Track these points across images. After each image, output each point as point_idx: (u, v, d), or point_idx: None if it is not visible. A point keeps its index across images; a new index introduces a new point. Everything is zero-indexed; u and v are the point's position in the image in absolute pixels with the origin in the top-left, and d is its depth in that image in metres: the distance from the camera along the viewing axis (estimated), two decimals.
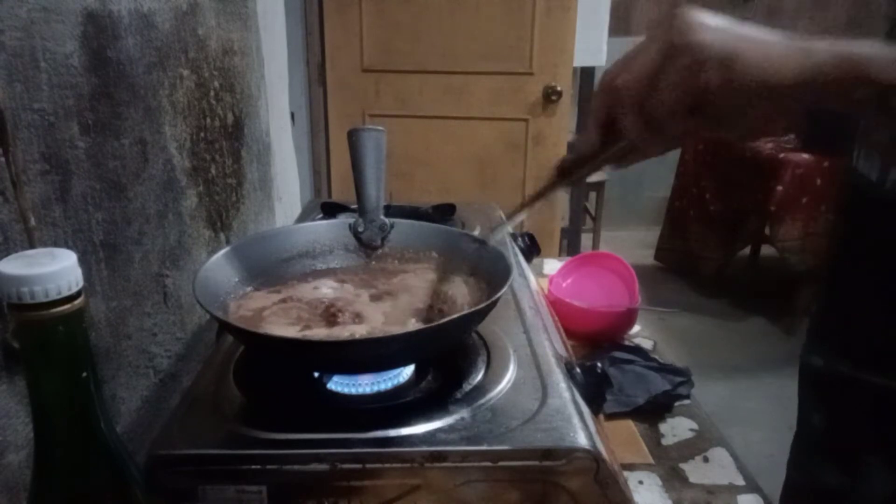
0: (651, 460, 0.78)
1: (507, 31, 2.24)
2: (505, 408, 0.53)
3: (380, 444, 0.49)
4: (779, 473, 0.78)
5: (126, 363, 0.67)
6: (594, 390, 0.59)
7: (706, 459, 0.79)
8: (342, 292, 0.66)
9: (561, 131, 2.35)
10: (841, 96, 0.43)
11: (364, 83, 2.36)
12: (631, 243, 3.67)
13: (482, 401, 0.53)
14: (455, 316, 0.53)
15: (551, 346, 0.63)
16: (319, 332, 0.58)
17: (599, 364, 0.61)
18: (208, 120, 0.87)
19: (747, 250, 3.26)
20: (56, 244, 0.53)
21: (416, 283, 0.67)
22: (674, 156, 3.43)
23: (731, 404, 2.30)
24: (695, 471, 0.77)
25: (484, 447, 0.48)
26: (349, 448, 0.48)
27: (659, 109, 0.44)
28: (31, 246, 0.50)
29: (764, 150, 2.82)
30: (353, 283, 0.68)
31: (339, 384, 0.57)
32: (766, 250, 3.04)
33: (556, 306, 0.97)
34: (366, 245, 0.74)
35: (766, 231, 2.81)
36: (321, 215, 1.00)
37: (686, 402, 0.90)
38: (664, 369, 0.93)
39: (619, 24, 3.68)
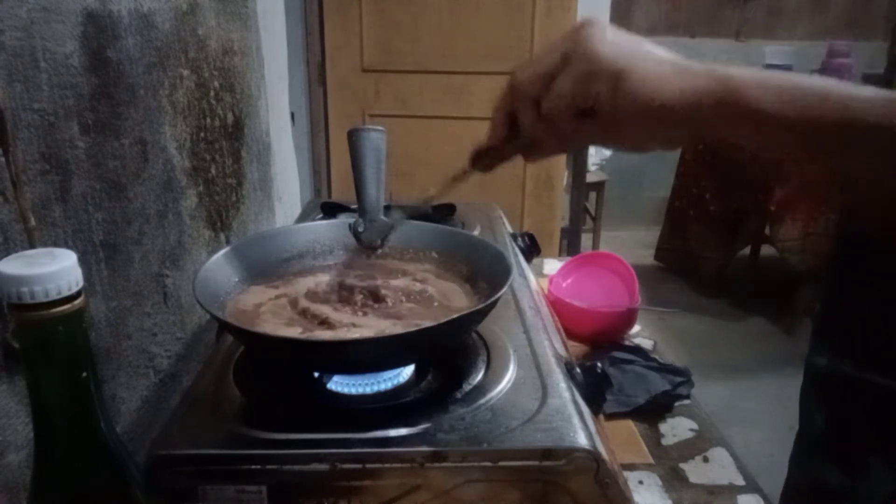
0: (651, 460, 0.78)
1: (507, 30, 2.24)
2: (505, 408, 0.53)
3: (380, 444, 0.48)
4: (779, 473, 0.77)
5: (126, 363, 0.67)
6: (594, 390, 0.59)
7: (706, 459, 0.79)
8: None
9: None
10: (726, 126, 0.44)
11: (364, 83, 2.36)
12: (631, 243, 3.67)
13: (482, 401, 0.53)
14: (455, 316, 0.53)
15: (551, 346, 0.63)
16: (319, 332, 0.58)
17: (599, 364, 0.61)
18: (208, 120, 0.87)
19: (747, 250, 3.26)
20: (56, 244, 0.53)
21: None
22: (674, 156, 3.43)
23: (731, 404, 2.30)
24: (695, 471, 0.77)
25: (484, 447, 0.48)
26: (349, 448, 0.48)
27: (551, 109, 0.47)
28: (31, 246, 0.50)
29: None
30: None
31: (339, 384, 0.57)
32: (766, 250, 3.04)
33: (556, 306, 0.97)
34: (366, 245, 0.74)
35: (766, 231, 2.81)
36: (321, 215, 1.00)
37: (686, 402, 0.90)
38: (664, 369, 0.93)
39: (620, 24, 3.66)
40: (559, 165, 2.40)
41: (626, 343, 1.02)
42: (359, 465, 0.48)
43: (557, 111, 0.47)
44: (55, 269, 0.33)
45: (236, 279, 0.65)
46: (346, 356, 0.53)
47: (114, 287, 0.63)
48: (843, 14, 3.83)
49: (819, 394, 0.71)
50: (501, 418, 0.51)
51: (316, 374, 0.58)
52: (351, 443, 0.48)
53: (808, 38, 3.79)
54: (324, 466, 0.47)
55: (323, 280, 0.66)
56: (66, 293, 0.34)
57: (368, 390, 0.56)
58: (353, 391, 0.57)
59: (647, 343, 1.05)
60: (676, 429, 0.85)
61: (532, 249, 1.01)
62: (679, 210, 3.39)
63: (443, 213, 0.99)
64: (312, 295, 0.63)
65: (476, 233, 0.91)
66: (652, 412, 0.87)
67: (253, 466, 0.47)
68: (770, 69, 0.46)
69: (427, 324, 0.53)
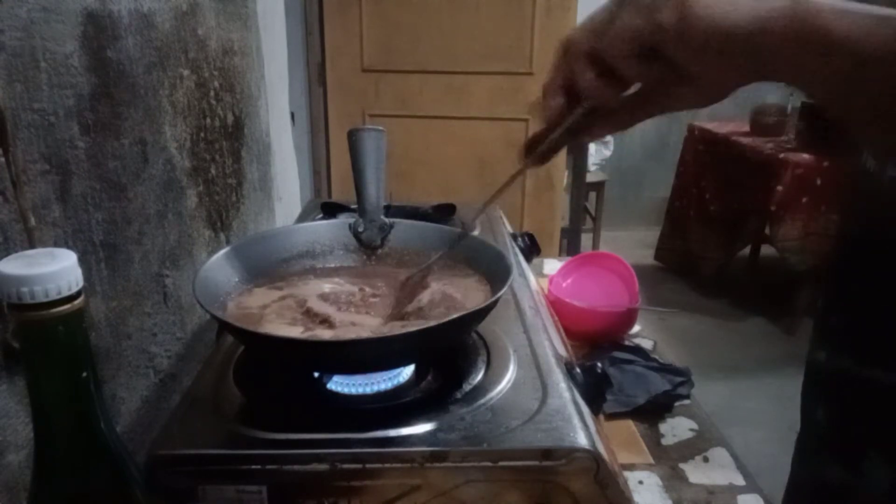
0: (651, 460, 0.78)
1: (506, 30, 2.24)
2: (505, 408, 0.52)
3: (380, 444, 0.48)
4: (779, 473, 0.77)
5: (126, 363, 0.67)
6: (594, 390, 0.59)
7: (706, 459, 0.79)
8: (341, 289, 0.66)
9: None
10: (799, 52, 0.40)
11: (364, 83, 2.36)
12: (631, 243, 3.67)
13: (482, 401, 0.53)
14: (455, 316, 0.53)
15: (551, 346, 0.63)
16: (319, 331, 0.58)
17: (599, 364, 0.61)
18: (208, 120, 0.87)
19: (747, 250, 3.26)
20: (56, 244, 0.53)
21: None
22: (674, 156, 3.44)
23: (731, 404, 2.30)
24: (695, 471, 0.77)
25: (484, 447, 0.48)
26: (349, 448, 0.48)
27: (612, 51, 0.42)
28: (31, 246, 0.50)
29: (764, 149, 2.82)
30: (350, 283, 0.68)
31: (339, 384, 0.57)
32: (766, 250, 3.05)
33: (556, 306, 0.97)
34: (366, 245, 0.74)
35: (766, 231, 2.81)
36: (321, 215, 1.00)
37: (686, 402, 0.90)
38: (664, 369, 0.93)
39: None
40: (559, 165, 2.40)
41: (626, 343, 1.02)
42: (359, 465, 0.48)
43: (620, 51, 0.42)
44: (55, 269, 0.33)
45: (236, 279, 0.65)
46: (346, 356, 0.53)
47: (114, 287, 0.63)
48: None
49: (821, 391, 0.71)
50: (501, 418, 0.51)
51: (316, 374, 0.58)
52: (351, 443, 0.48)
53: None
54: (324, 466, 0.47)
55: (335, 284, 0.66)
56: (66, 293, 0.34)
57: (368, 390, 0.56)
58: (353, 391, 0.57)
59: (647, 343, 1.05)
60: (676, 429, 0.85)
61: (532, 249, 1.01)
62: (679, 210, 3.39)
63: (443, 213, 0.99)
64: (325, 297, 0.63)
65: (476, 233, 0.91)
66: (652, 412, 0.87)
67: (253, 466, 0.47)
68: None
69: (427, 324, 0.53)
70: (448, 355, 0.61)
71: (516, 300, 0.72)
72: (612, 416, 0.85)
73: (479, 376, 0.57)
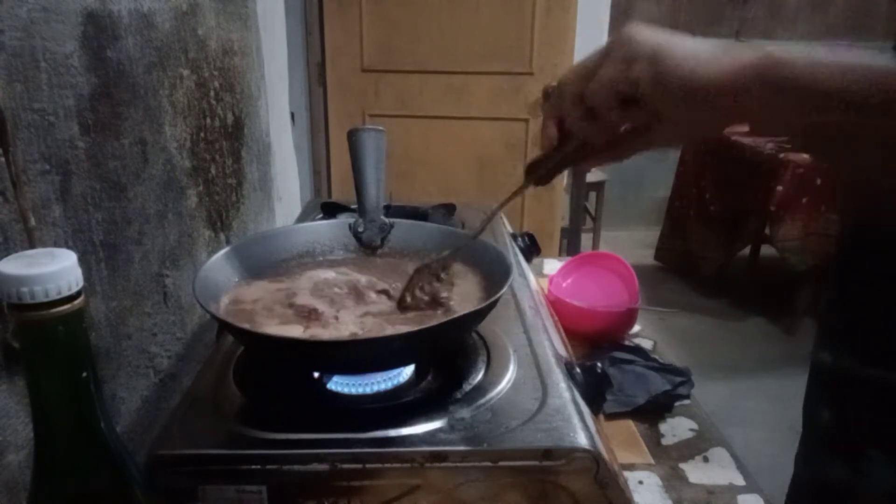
0: (651, 460, 0.78)
1: (506, 30, 2.24)
2: (505, 408, 0.53)
3: (380, 444, 0.48)
4: (779, 473, 0.77)
5: (126, 363, 0.67)
6: (594, 390, 0.59)
7: (706, 459, 0.79)
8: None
9: None
10: (769, 98, 0.43)
11: (364, 83, 2.36)
12: (631, 243, 3.67)
13: (482, 401, 0.53)
14: (455, 316, 0.53)
15: (551, 346, 0.63)
16: (318, 331, 0.58)
17: (599, 364, 0.61)
18: (208, 120, 0.87)
19: (747, 250, 3.26)
20: (56, 244, 0.53)
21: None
22: (674, 156, 3.44)
23: (731, 404, 2.30)
24: (695, 471, 0.77)
25: (484, 447, 0.48)
26: (349, 448, 0.48)
27: (595, 98, 0.47)
28: (31, 246, 0.50)
29: (764, 149, 2.82)
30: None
31: (339, 384, 0.57)
32: (766, 250, 3.04)
33: (556, 306, 0.97)
34: (366, 245, 0.74)
35: (766, 231, 2.81)
36: (321, 215, 1.00)
37: (686, 402, 0.90)
38: (664, 369, 0.93)
39: (620, 24, 3.68)
40: None
41: (626, 343, 1.02)
42: (359, 465, 0.48)
43: (600, 99, 0.47)
44: (55, 269, 0.33)
45: (236, 279, 0.65)
46: (347, 356, 0.53)
47: (114, 287, 0.63)
48: (843, 14, 3.83)
49: (823, 391, 0.71)
50: (501, 418, 0.51)
51: (316, 374, 0.58)
52: (351, 443, 0.48)
53: (808, 38, 3.79)
54: (324, 466, 0.47)
55: (329, 275, 0.66)
56: (66, 293, 0.34)
57: (368, 390, 0.56)
58: (353, 391, 0.57)
59: (647, 343, 1.05)
60: (676, 429, 0.85)
61: (532, 249, 1.01)
62: (679, 210, 3.39)
63: (443, 213, 0.99)
64: (317, 290, 0.63)
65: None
66: (652, 412, 0.87)
67: (253, 466, 0.47)
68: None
69: (427, 324, 0.53)
70: (448, 355, 0.61)
71: (516, 300, 0.72)
72: (612, 416, 0.85)
73: (479, 376, 0.57)
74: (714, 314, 3.05)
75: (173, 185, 0.77)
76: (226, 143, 0.94)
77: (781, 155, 2.70)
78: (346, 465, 0.47)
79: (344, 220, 0.77)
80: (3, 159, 0.47)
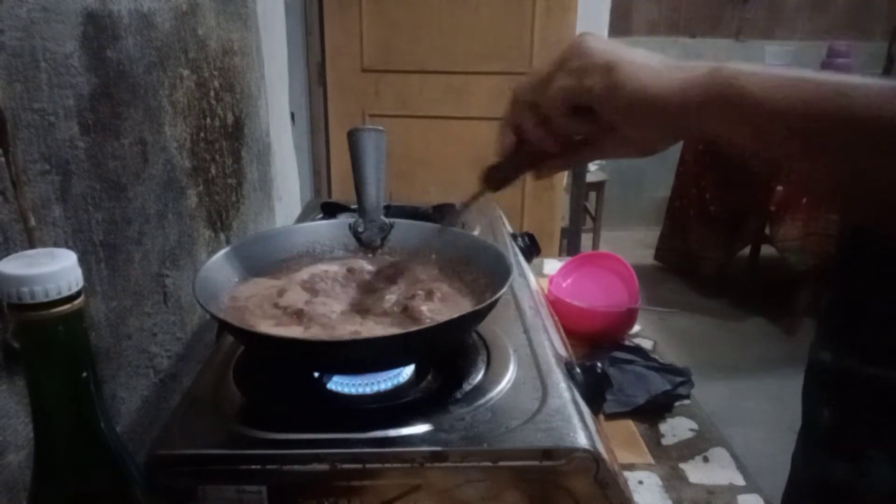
0: (651, 460, 0.78)
1: (506, 30, 2.24)
2: (505, 408, 0.53)
3: (380, 444, 0.48)
4: (779, 473, 0.77)
5: (126, 363, 0.67)
6: (594, 390, 0.59)
7: (706, 459, 0.79)
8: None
9: None
10: (718, 116, 0.43)
11: (364, 83, 2.36)
12: (631, 243, 3.67)
13: (482, 401, 0.53)
14: (455, 316, 0.53)
15: (551, 346, 0.63)
16: (315, 331, 0.58)
17: (599, 364, 0.61)
18: (208, 120, 0.87)
19: (747, 250, 3.26)
20: (56, 244, 0.53)
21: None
22: (674, 156, 3.44)
23: (731, 404, 2.30)
24: (695, 471, 0.77)
25: (484, 447, 0.48)
26: (349, 448, 0.48)
27: (549, 107, 0.49)
28: (31, 246, 0.50)
29: None
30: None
31: (339, 384, 0.57)
32: (766, 250, 3.05)
33: (556, 306, 0.97)
34: (366, 245, 0.74)
35: (766, 231, 2.81)
36: (321, 215, 1.00)
37: (686, 402, 0.90)
38: (664, 369, 0.93)
39: (619, 24, 3.69)
40: None
41: (626, 343, 1.02)
42: (359, 465, 0.48)
43: (554, 108, 0.48)
44: (55, 269, 0.33)
45: (236, 279, 0.65)
46: (347, 356, 0.53)
47: (114, 287, 0.63)
48: (842, 14, 3.83)
49: (823, 390, 0.71)
50: (501, 418, 0.51)
51: (316, 374, 0.58)
52: (351, 443, 0.48)
53: (807, 38, 3.79)
54: (324, 466, 0.47)
55: (325, 269, 0.66)
56: (66, 293, 0.34)
57: (368, 390, 0.56)
58: (353, 391, 0.57)
59: (647, 343, 1.05)
60: (676, 429, 0.85)
61: (532, 249, 1.01)
62: (679, 210, 3.39)
63: (442, 213, 0.99)
64: (309, 282, 0.63)
65: (476, 233, 0.91)
66: (652, 412, 0.87)
67: (253, 466, 0.47)
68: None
69: (427, 324, 0.53)
70: (448, 355, 0.61)
71: (516, 300, 0.71)
72: (612, 416, 0.85)
73: (479, 376, 0.57)
74: (714, 314, 3.05)
75: (173, 185, 0.77)
76: (226, 143, 0.94)
77: None
78: (346, 465, 0.47)
79: (344, 220, 0.77)
80: (3, 159, 0.47)
